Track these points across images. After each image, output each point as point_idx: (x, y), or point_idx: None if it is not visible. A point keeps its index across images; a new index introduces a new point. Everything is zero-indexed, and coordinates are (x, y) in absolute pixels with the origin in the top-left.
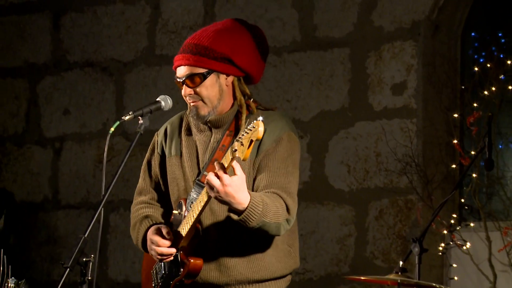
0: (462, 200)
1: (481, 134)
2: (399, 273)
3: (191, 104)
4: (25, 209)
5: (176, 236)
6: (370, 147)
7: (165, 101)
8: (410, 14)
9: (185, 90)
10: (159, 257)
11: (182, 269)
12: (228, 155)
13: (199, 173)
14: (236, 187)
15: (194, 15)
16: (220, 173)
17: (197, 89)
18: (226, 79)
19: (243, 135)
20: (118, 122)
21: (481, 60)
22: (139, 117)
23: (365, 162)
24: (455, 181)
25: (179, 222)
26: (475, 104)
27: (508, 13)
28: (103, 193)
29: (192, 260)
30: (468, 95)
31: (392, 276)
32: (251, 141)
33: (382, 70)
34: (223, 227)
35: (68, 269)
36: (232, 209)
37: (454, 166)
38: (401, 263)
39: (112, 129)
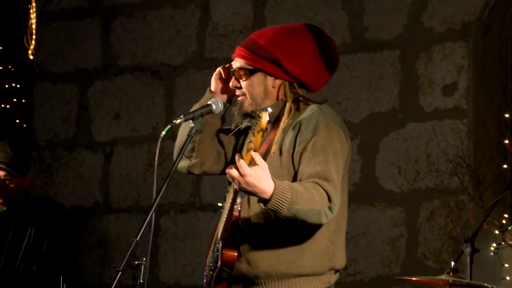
0: None
1: None
2: (451, 274)
3: (238, 97)
4: (76, 214)
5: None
6: (420, 148)
7: (216, 105)
8: (461, 15)
9: (233, 82)
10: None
11: (219, 261)
12: (245, 147)
13: None
14: (257, 177)
15: (243, 19)
16: (239, 164)
17: (243, 84)
18: (274, 81)
19: (255, 126)
20: (169, 126)
21: None
22: (190, 120)
23: (416, 163)
24: (507, 181)
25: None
26: None
27: None
28: (154, 196)
29: (224, 252)
30: None
31: (443, 277)
32: (258, 131)
33: (433, 71)
34: (257, 219)
35: (120, 272)
36: (260, 199)
37: (505, 166)
38: (452, 263)
39: (164, 132)
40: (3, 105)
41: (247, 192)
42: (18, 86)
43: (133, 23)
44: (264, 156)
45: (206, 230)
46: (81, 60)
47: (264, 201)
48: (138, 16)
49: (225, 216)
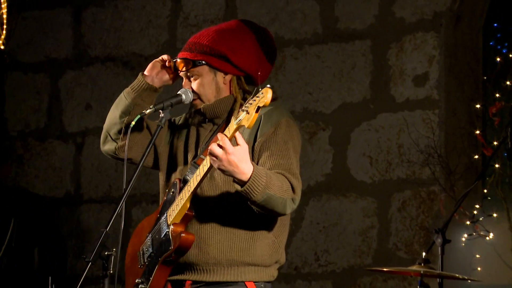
0: (485, 191)
1: (503, 124)
2: (422, 264)
3: (193, 101)
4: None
5: (169, 213)
6: (392, 138)
7: (185, 94)
8: (432, 5)
9: (185, 85)
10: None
11: (172, 244)
12: (232, 125)
13: (195, 157)
14: (240, 156)
15: (215, 9)
16: (223, 142)
17: (194, 87)
18: (224, 77)
19: (250, 103)
20: (139, 116)
21: (504, 51)
22: (160, 111)
23: (388, 154)
24: (478, 172)
25: (170, 201)
26: (497, 95)
27: None
28: (124, 187)
29: (183, 235)
30: (490, 86)
31: (415, 267)
32: (258, 108)
33: (404, 61)
34: (212, 206)
35: (90, 263)
36: (235, 180)
37: (476, 156)
38: (424, 254)
39: (133, 123)
40: None
41: (225, 171)
42: None
43: (104, 13)
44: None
45: None
46: (53, 50)
47: (239, 182)
48: (109, 6)
49: (184, 199)
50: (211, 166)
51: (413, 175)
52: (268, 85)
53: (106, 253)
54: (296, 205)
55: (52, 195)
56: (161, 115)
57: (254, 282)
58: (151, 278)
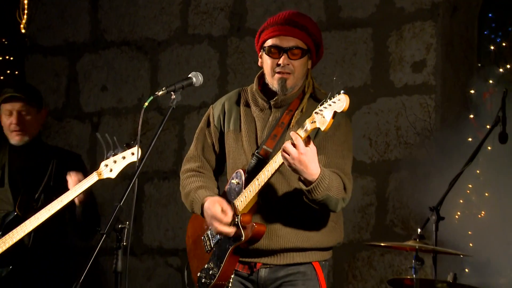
0: (478, 171)
1: (496, 109)
2: (417, 240)
3: (280, 75)
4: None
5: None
6: (390, 121)
7: (196, 78)
8: None
9: (284, 60)
10: (218, 231)
11: (243, 234)
12: (307, 126)
13: (257, 147)
14: (310, 157)
15: None
16: (298, 141)
17: (295, 63)
18: (309, 61)
19: (325, 107)
20: (152, 97)
21: (497, 40)
22: (172, 93)
23: (386, 136)
24: (471, 153)
25: (235, 191)
26: (490, 81)
27: None
28: (137, 164)
29: (256, 226)
30: (484, 73)
31: (410, 243)
32: (335, 112)
33: (403, 49)
34: (280, 199)
35: (105, 235)
36: (301, 178)
37: (470, 139)
38: (419, 230)
39: (146, 103)
40: None
41: (294, 169)
42: (11, 58)
43: (120, 0)
44: (281, 138)
45: None
46: (71, 34)
47: (304, 181)
48: None
49: (254, 192)
50: (282, 163)
51: (410, 155)
52: (344, 91)
53: (120, 226)
54: (346, 203)
55: None
56: (173, 96)
57: (319, 261)
58: (221, 265)
